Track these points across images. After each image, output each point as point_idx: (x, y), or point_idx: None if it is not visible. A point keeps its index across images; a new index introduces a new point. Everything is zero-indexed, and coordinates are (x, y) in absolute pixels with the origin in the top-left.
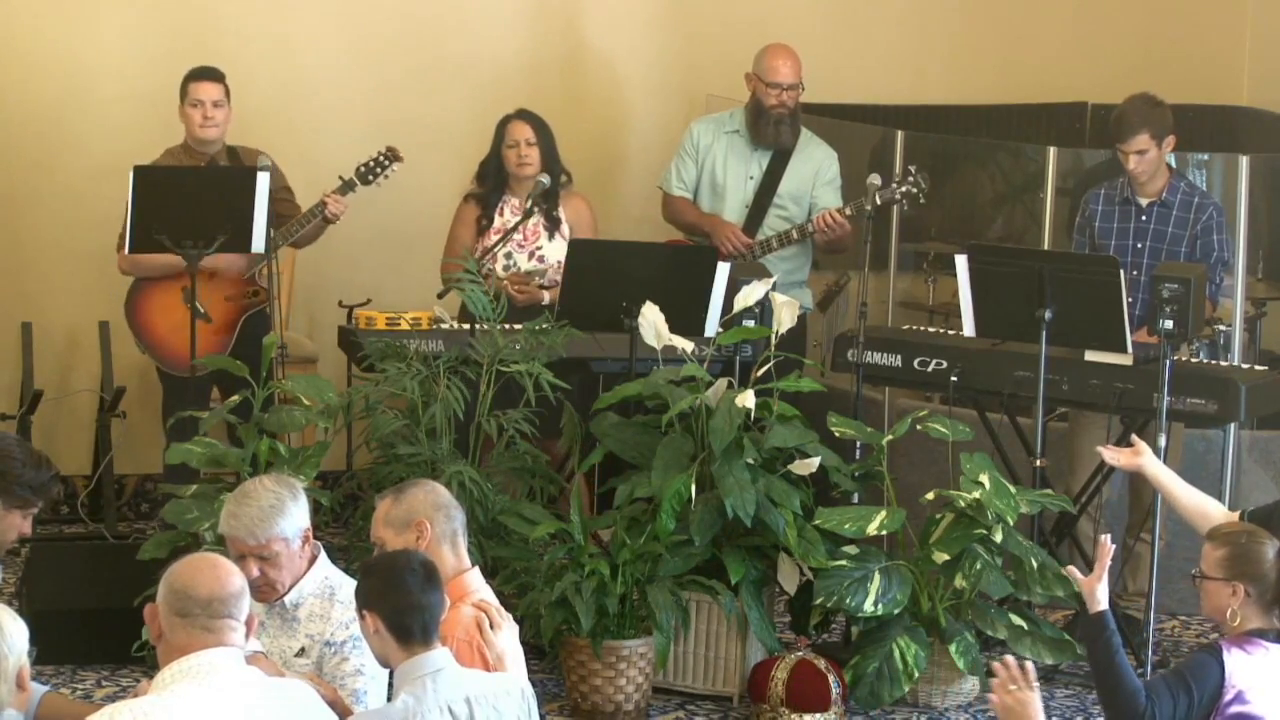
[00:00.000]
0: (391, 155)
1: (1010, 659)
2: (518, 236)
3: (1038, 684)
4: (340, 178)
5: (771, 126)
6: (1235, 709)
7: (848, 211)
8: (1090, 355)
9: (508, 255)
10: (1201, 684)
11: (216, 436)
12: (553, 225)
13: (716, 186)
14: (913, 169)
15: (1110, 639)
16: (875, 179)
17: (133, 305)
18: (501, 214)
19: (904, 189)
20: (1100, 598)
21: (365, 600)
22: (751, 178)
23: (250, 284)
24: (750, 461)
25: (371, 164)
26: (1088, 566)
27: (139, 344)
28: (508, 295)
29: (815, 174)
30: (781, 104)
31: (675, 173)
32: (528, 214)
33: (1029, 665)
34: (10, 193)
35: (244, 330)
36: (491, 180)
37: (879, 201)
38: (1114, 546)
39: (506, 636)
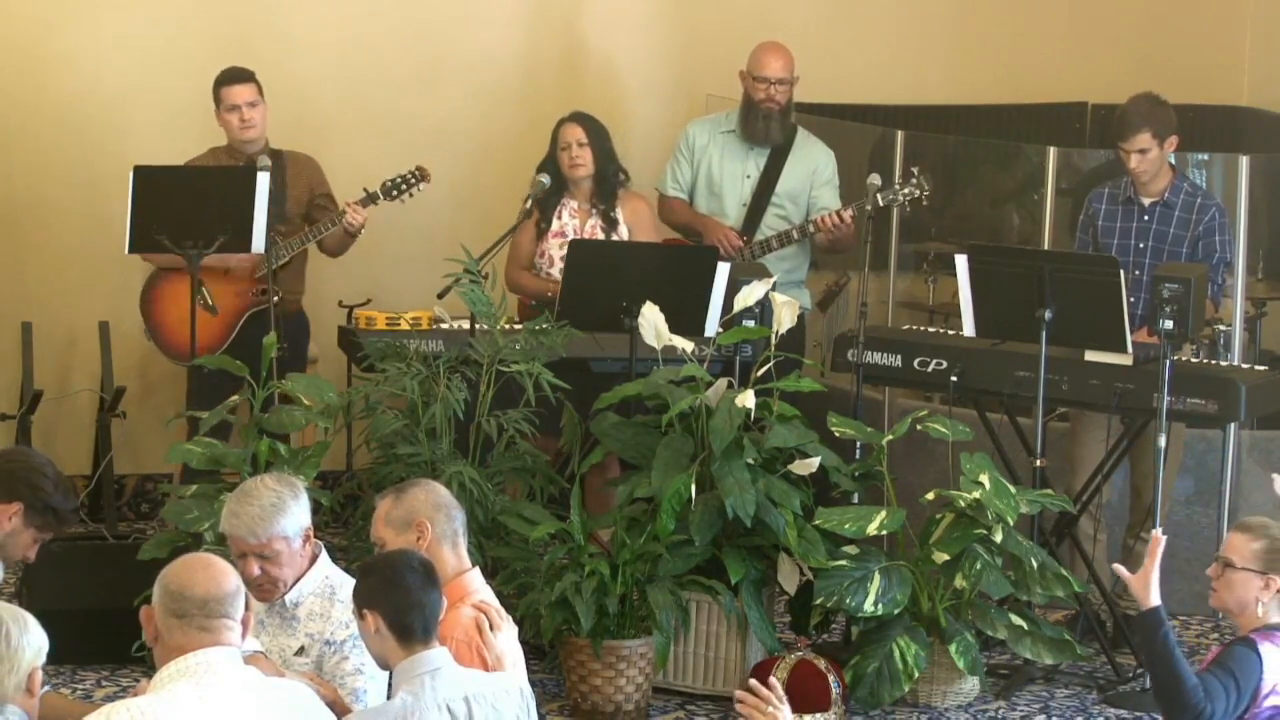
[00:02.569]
0: (420, 175)
1: (754, 682)
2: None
3: (785, 698)
4: (365, 190)
5: (761, 122)
6: (1272, 700)
7: (851, 213)
8: (1090, 355)
9: (565, 259)
10: (1246, 677)
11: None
12: (610, 226)
13: (714, 186)
14: (915, 170)
15: (1167, 635)
16: (875, 179)
17: (149, 291)
18: (560, 217)
19: (906, 191)
20: (1153, 593)
21: (366, 600)
22: (749, 177)
23: (260, 282)
24: (750, 461)
25: (400, 180)
26: (1087, 567)
27: (146, 330)
28: None
29: (813, 173)
30: (770, 99)
31: (670, 174)
32: (527, 214)
33: (773, 681)
34: (11, 193)
35: (245, 328)
36: (550, 184)
37: (880, 203)
38: (1164, 538)
39: (506, 637)
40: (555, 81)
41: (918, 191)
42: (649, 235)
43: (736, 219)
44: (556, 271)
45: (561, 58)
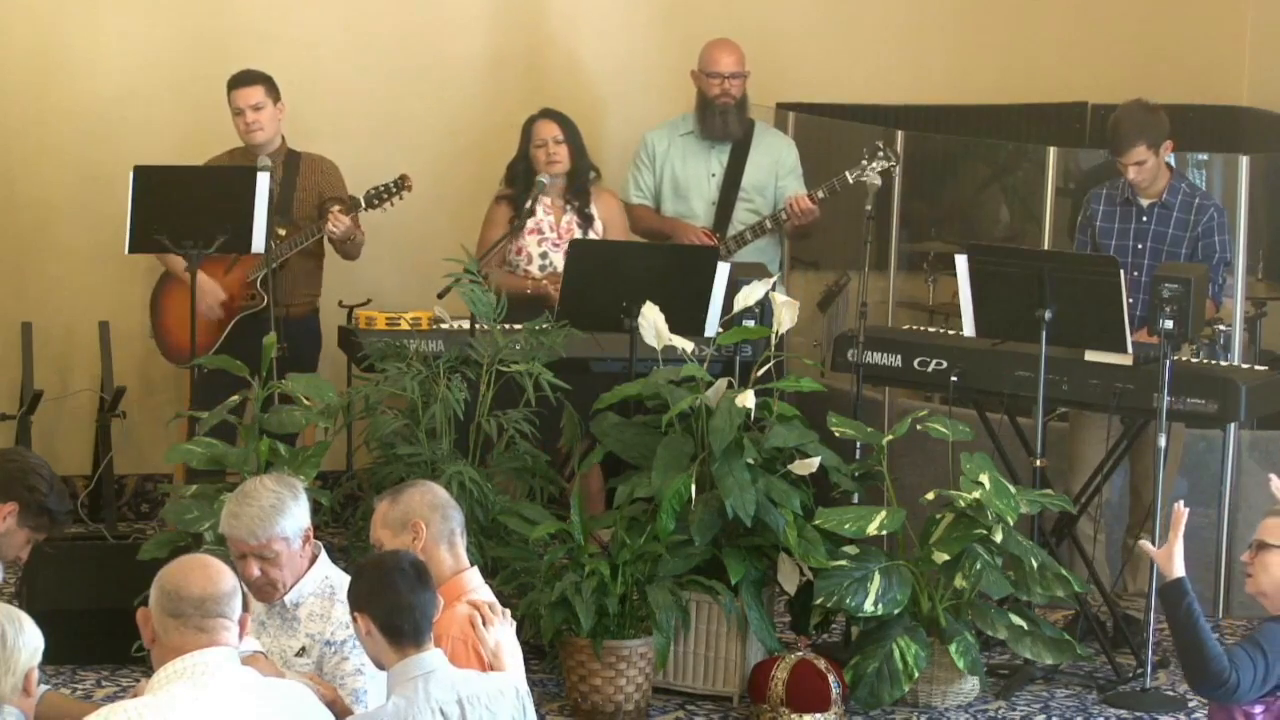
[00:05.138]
0: (402, 184)
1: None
2: (552, 235)
3: None
4: (349, 196)
5: (718, 117)
6: None
7: (820, 195)
8: (1090, 355)
9: (544, 255)
10: (1276, 652)
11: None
12: (586, 222)
13: (679, 189)
14: (880, 144)
15: (1191, 605)
16: (875, 180)
17: (160, 289)
18: (534, 214)
19: (874, 165)
20: (1177, 565)
21: (356, 602)
22: (713, 175)
23: (250, 287)
24: (750, 461)
25: (382, 189)
26: (1087, 566)
27: (151, 329)
28: (545, 295)
29: (776, 163)
30: (725, 93)
31: (633, 183)
32: (528, 214)
33: None
34: (11, 193)
35: (234, 331)
36: (521, 181)
37: (851, 181)
38: (1187, 510)
39: (502, 631)
40: (555, 82)
41: (887, 163)
42: (621, 231)
43: (706, 218)
44: (535, 269)
45: (561, 59)
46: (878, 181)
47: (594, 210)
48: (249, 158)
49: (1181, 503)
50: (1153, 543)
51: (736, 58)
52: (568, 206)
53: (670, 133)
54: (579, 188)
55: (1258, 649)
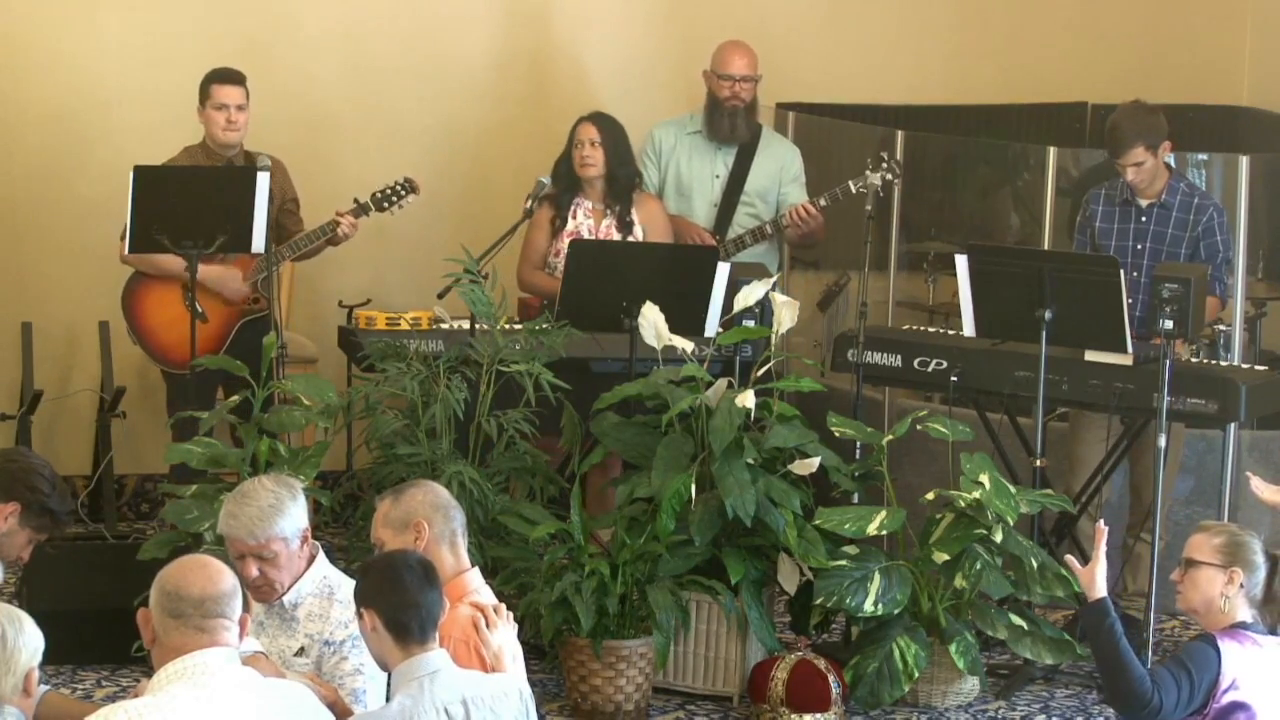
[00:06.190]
0: (409, 186)
1: None
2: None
3: None
4: (355, 200)
5: (726, 119)
6: (1231, 696)
7: (822, 203)
8: (1090, 355)
9: (565, 259)
10: (1201, 671)
11: (221, 436)
12: (625, 228)
13: (683, 187)
14: (885, 155)
15: (1113, 625)
16: (876, 179)
17: (130, 295)
18: (575, 216)
19: (876, 176)
20: (1099, 585)
21: (363, 598)
22: (717, 176)
23: (251, 291)
24: (750, 461)
25: (389, 192)
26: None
27: (130, 334)
28: None
29: (780, 170)
30: (735, 96)
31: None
32: (527, 214)
33: None
34: (11, 193)
35: (239, 335)
36: (564, 182)
37: (854, 191)
38: (1106, 529)
39: (504, 633)
40: (557, 82)
41: (890, 175)
42: (663, 237)
43: (707, 219)
44: None
45: (565, 58)
46: (878, 182)
47: (635, 216)
48: (207, 157)
49: (1101, 521)
50: (1152, 545)
51: (749, 60)
52: (607, 211)
53: (677, 130)
54: (617, 192)
55: (1183, 668)
